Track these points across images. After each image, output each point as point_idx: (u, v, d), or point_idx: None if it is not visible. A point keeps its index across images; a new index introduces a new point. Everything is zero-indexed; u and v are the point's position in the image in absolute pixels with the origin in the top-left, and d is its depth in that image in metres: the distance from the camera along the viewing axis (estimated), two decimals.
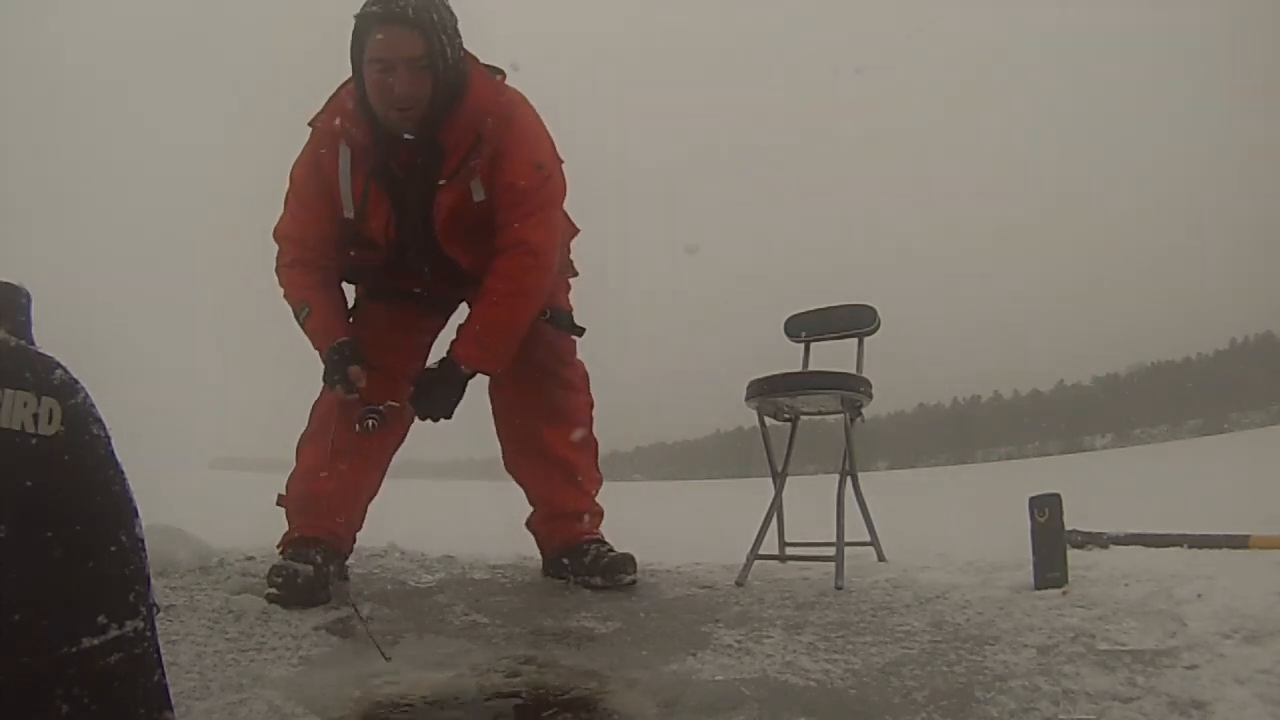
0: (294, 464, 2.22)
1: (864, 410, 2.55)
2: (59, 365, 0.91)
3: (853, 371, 2.61)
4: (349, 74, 2.03)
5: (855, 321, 2.78)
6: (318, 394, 2.20)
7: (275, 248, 2.19)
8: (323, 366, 2.07)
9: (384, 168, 2.05)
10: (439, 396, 2.06)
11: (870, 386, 2.50)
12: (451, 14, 2.00)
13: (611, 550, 2.29)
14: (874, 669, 1.50)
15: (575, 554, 2.28)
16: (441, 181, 2.03)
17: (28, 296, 1.03)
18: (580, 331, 2.33)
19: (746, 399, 2.55)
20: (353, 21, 1.95)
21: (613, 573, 2.20)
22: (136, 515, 0.94)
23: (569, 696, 1.41)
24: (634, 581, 2.22)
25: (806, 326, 2.87)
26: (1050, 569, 1.99)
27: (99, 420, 0.92)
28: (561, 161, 2.18)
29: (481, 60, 2.11)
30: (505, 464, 2.41)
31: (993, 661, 1.49)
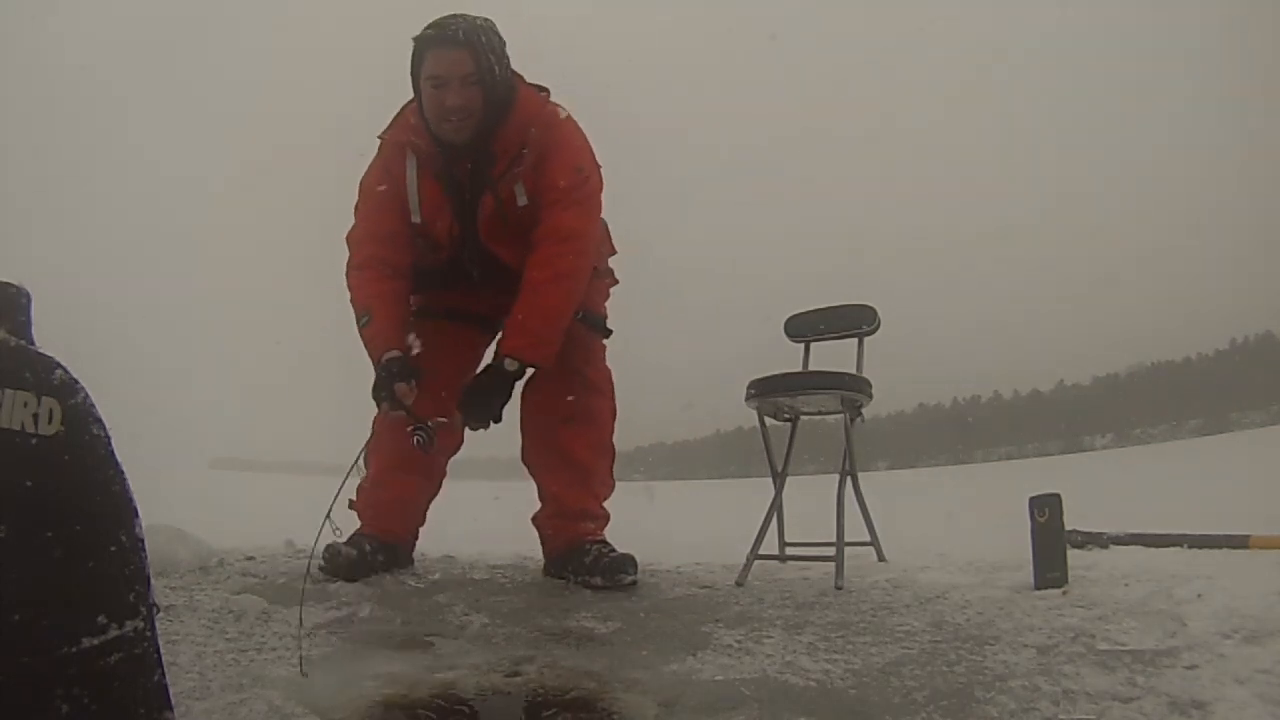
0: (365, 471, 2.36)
1: (864, 410, 2.55)
2: (59, 365, 0.91)
3: (853, 371, 2.62)
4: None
5: (855, 321, 2.78)
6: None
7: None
8: (373, 378, 2.15)
9: (446, 174, 2.23)
10: (485, 402, 2.15)
11: (870, 386, 2.50)
12: (499, 38, 2.18)
13: (613, 551, 2.30)
14: (874, 669, 1.50)
15: (576, 554, 2.31)
16: (488, 187, 2.20)
17: (28, 296, 1.03)
18: (609, 334, 2.44)
19: (746, 399, 2.55)
20: (412, 44, 2.15)
21: (613, 573, 2.21)
22: (136, 515, 0.94)
23: (569, 696, 1.41)
24: (634, 582, 2.23)
25: (806, 326, 2.87)
26: (1050, 569, 2.00)
27: (99, 420, 0.92)
28: (600, 167, 2.30)
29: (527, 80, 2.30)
30: (522, 457, 2.46)
31: (993, 661, 1.49)
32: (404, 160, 2.25)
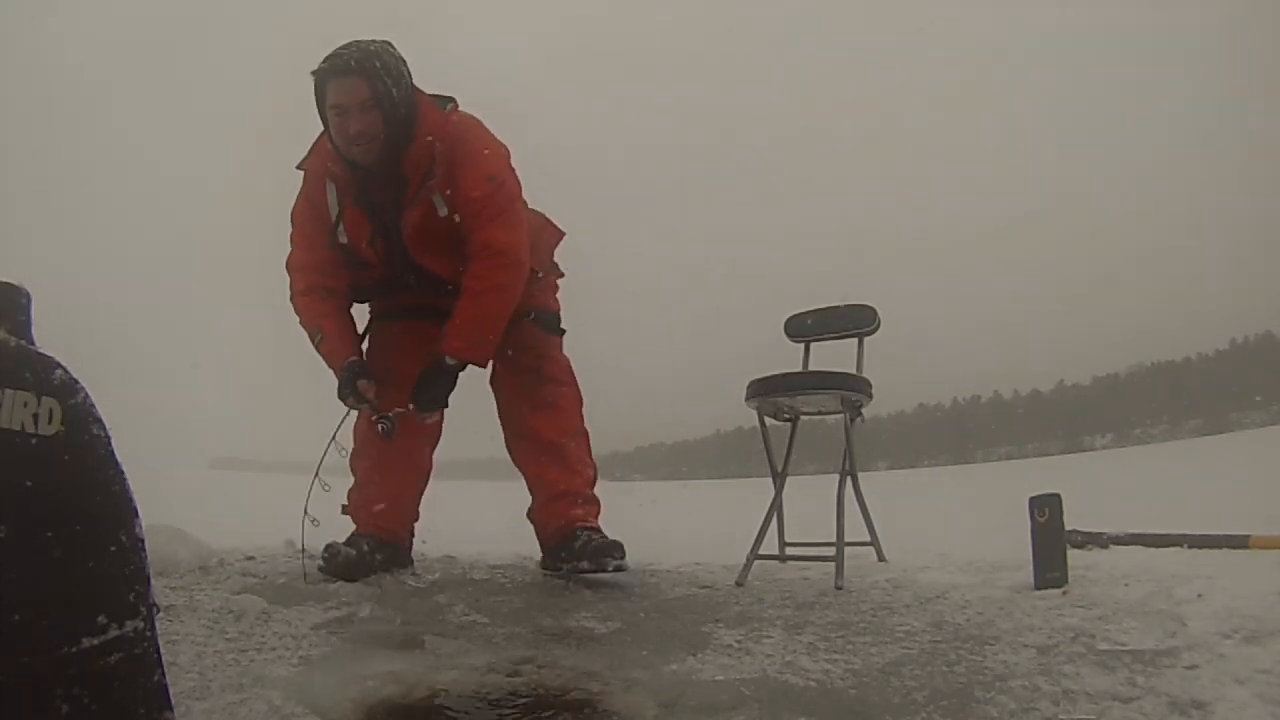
0: (352, 478, 2.49)
1: (864, 410, 2.55)
2: (59, 365, 0.91)
3: (853, 371, 2.61)
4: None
5: (855, 321, 2.78)
6: (354, 417, 2.44)
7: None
8: (336, 383, 2.31)
9: (363, 196, 2.32)
10: (432, 394, 2.29)
11: (870, 386, 2.50)
12: (395, 58, 2.25)
13: (602, 537, 2.34)
14: (874, 669, 1.50)
15: (566, 540, 2.36)
16: (406, 204, 2.29)
17: (28, 296, 1.03)
18: (561, 332, 2.58)
19: (746, 399, 2.55)
20: (311, 77, 2.23)
21: (599, 557, 2.25)
22: (136, 515, 0.94)
23: (569, 696, 1.41)
24: (619, 568, 2.25)
25: (806, 326, 2.87)
26: (1050, 569, 1.99)
27: (99, 420, 0.92)
28: (514, 170, 2.38)
29: (432, 89, 2.37)
30: (506, 448, 2.56)
31: (993, 661, 1.49)
32: (324, 187, 2.34)
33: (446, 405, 2.34)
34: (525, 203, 2.44)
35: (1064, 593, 1.90)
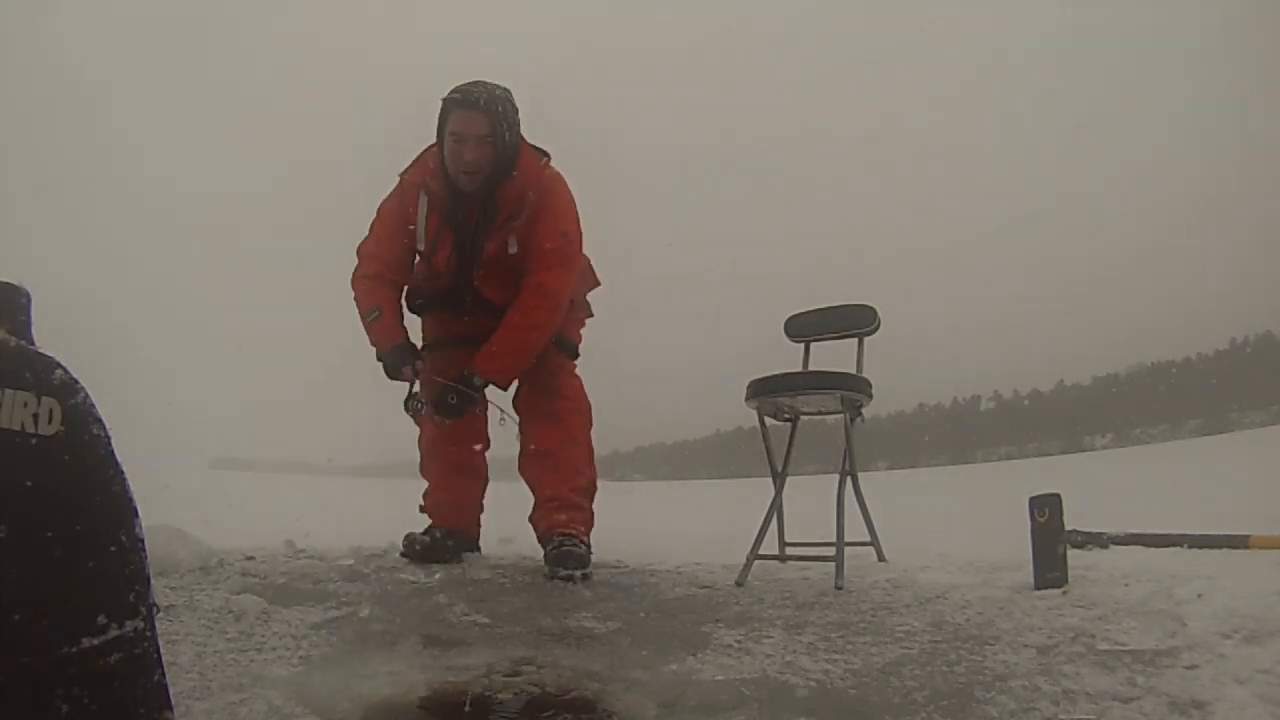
0: (424, 481, 2.85)
1: (864, 410, 2.55)
2: (59, 365, 0.91)
3: (853, 371, 2.62)
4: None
5: (855, 321, 2.78)
6: (417, 430, 2.79)
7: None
8: (383, 364, 2.61)
9: (453, 215, 2.59)
10: (455, 405, 2.56)
11: (870, 386, 2.50)
12: (513, 106, 2.54)
13: (572, 544, 2.46)
14: (874, 669, 1.50)
15: (545, 544, 2.55)
16: (488, 234, 2.57)
17: (28, 296, 1.03)
18: (577, 355, 2.80)
19: (746, 399, 2.55)
20: (440, 104, 2.50)
21: (554, 564, 2.41)
22: (136, 515, 0.94)
23: (569, 696, 1.41)
24: (571, 577, 2.35)
25: (806, 326, 2.87)
26: (1050, 569, 2.00)
27: (99, 420, 0.92)
28: (581, 229, 2.66)
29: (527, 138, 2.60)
30: (519, 467, 2.75)
31: (993, 661, 1.49)
32: (418, 197, 2.62)
33: (460, 417, 2.59)
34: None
35: (1064, 593, 1.90)
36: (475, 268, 2.61)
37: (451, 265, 2.62)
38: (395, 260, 2.69)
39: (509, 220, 2.56)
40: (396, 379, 2.62)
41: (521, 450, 2.72)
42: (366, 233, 2.74)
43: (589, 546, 2.54)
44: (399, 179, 2.70)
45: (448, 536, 2.71)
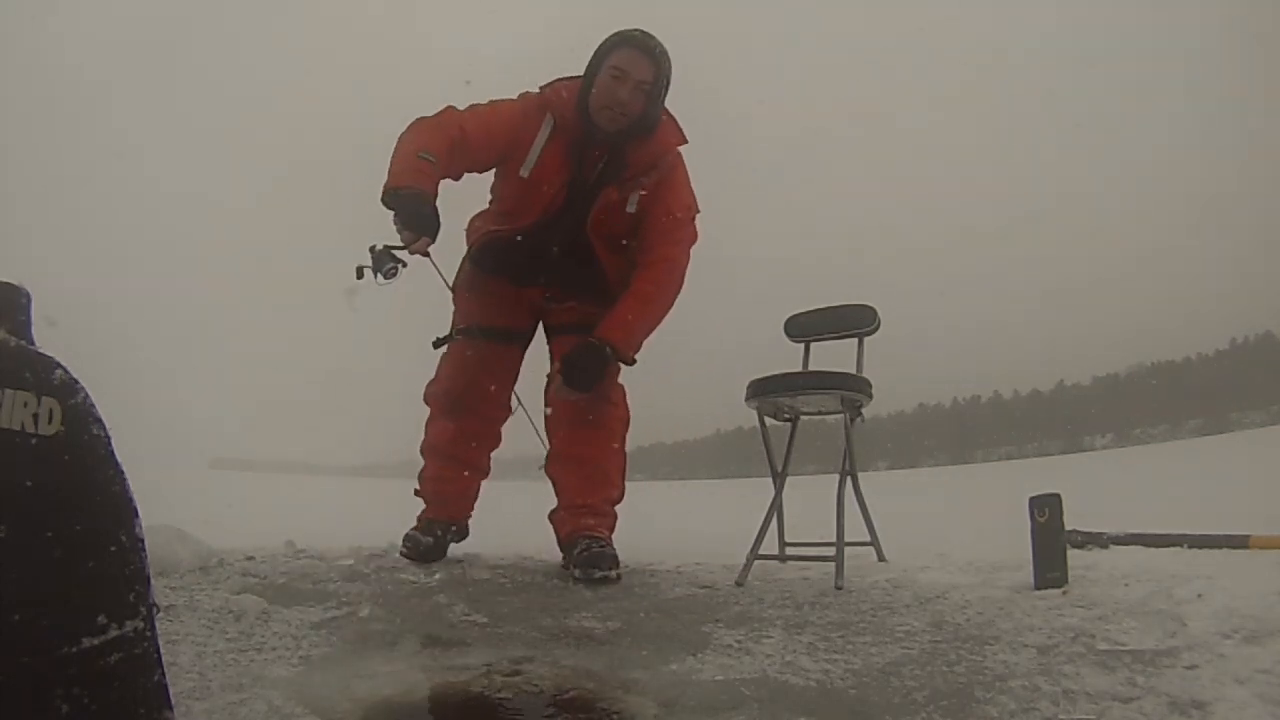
0: (422, 464, 2.74)
1: (864, 410, 2.55)
2: (59, 365, 0.91)
3: (853, 371, 2.61)
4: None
5: (855, 321, 2.78)
6: (426, 414, 2.68)
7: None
8: (397, 201, 2.17)
9: (577, 152, 2.43)
10: (588, 370, 2.37)
11: (870, 386, 2.50)
12: (671, 69, 2.41)
13: (599, 546, 2.38)
14: (874, 669, 1.50)
15: (570, 546, 2.45)
16: (614, 184, 2.42)
17: (28, 296, 1.03)
18: (631, 362, 2.51)
19: (746, 399, 2.55)
20: (611, 35, 2.39)
21: (588, 566, 2.31)
22: (136, 515, 0.94)
23: (569, 696, 1.41)
24: (605, 578, 2.28)
25: (806, 326, 2.87)
26: (1050, 569, 1.99)
27: (99, 420, 0.92)
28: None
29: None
30: (546, 467, 2.63)
31: (993, 661, 1.49)
32: (542, 120, 2.42)
33: (590, 390, 2.39)
34: None
35: (1064, 593, 1.90)
36: (586, 215, 2.43)
37: (556, 203, 2.43)
38: (479, 147, 2.37)
39: (636, 178, 2.43)
40: (416, 228, 2.18)
41: (553, 451, 2.61)
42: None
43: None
44: (520, 96, 2.48)
45: (448, 529, 2.65)
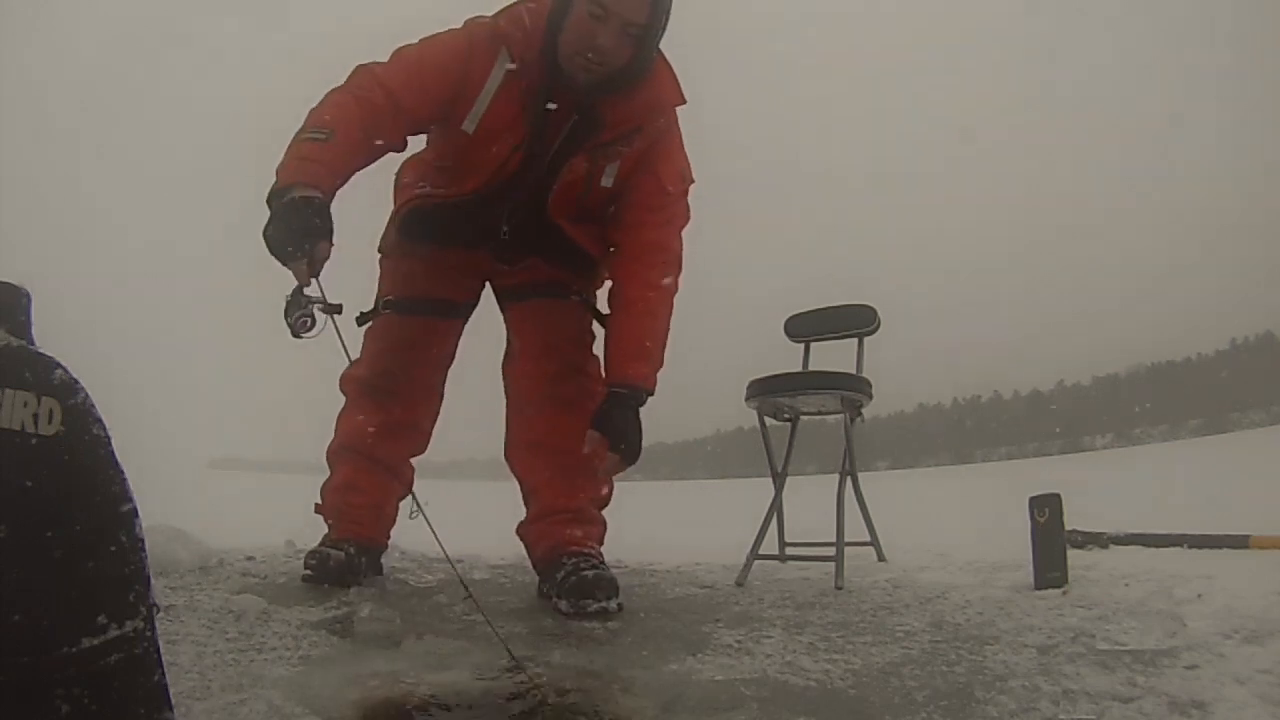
0: (328, 472, 2.25)
1: (864, 410, 2.55)
2: (59, 365, 0.91)
3: (853, 371, 2.62)
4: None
5: (855, 321, 2.79)
6: (341, 405, 2.24)
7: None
8: (274, 224, 1.63)
9: (539, 107, 1.87)
10: (638, 439, 1.91)
11: (870, 386, 2.51)
12: (671, 6, 1.87)
13: (591, 567, 1.96)
14: (874, 669, 1.50)
15: (551, 568, 2.02)
16: (583, 152, 1.90)
17: (28, 296, 1.03)
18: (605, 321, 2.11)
19: (746, 399, 2.55)
20: None
21: (579, 596, 1.88)
22: (136, 515, 0.94)
23: (569, 696, 1.41)
24: (604, 611, 1.88)
25: (806, 326, 2.88)
26: (1050, 569, 2.00)
27: (99, 420, 0.92)
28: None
29: None
30: (506, 453, 2.21)
31: (993, 661, 1.49)
32: (493, 62, 1.86)
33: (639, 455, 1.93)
34: None
35: (1064, 593, 1.90)
36: (546, 190, 1.93)
37: (507, 169, 1.90)
38: (412, 106, 1.83)
39: (614, 144, 1.91)
40: (282, 259, 1.63)
41: (517, 440, 2.16)
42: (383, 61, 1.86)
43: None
44: (465, 25, 1.91)
45: (361, 553, 2.13)
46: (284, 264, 1.64)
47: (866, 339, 2.75)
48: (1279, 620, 1.47)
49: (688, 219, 2.06)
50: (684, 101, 1.98)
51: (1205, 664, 1.36)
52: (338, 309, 1.68)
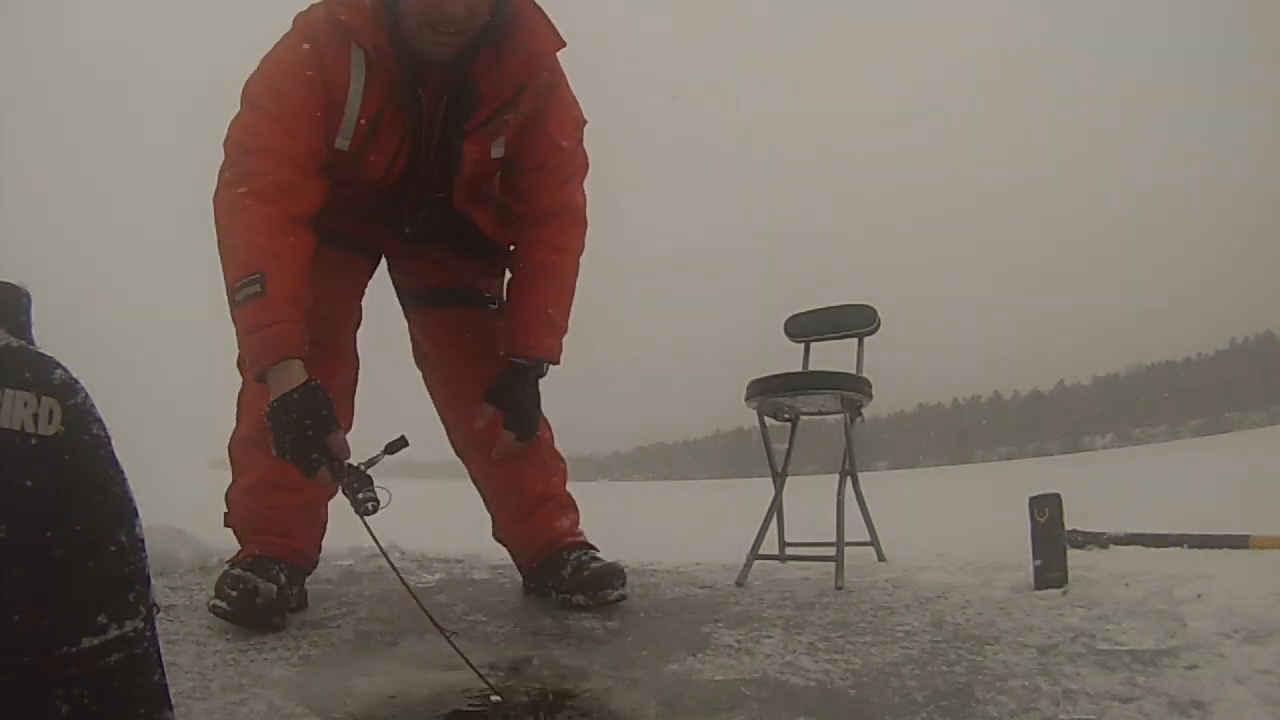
0: (232, 471, 1.87)
1: (864, 410, 2.56)
2: (59, 365, 0.91)
3: (853, 371, 2.62)
4: None
5: (855, 321, 2.79)
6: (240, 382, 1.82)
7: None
8: (278, 422, 1.47)
9: (407, 96, 1.67)
10: (532, 416, 1.81)
11: (870, 386, 2.50)
12: None
13: (595, 559, 1.96)
14: (874, 669, 1.50)
15: (551, 565, 1.97)
16: (474, 134, 1.71)
17: (28, 296, 1.03)
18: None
19: (746, 399, 2.55)
20: None
21: (596, 588, 1.88)
22: (136, 515, 0.94)
23: (569, 696, 1.41)
24: (622, 597, 1.90)
25: (806, 326, 2.88)
26: (1050, 569, 2.00)
27: (99, 420, 0.92)
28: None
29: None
30: (456, 449, 2.08)
31: (993, 661, 1.49)
32: (347, 60, 1.61)
33: (536, 434, 1.87)
34: None
35: (1064, 593, 1.90)
36: (450, 181, 1.76)
37: (393, 175, 1.73)
38: (305, 160, 1.60)
39: (499, 113, 1.70)
40: (309, 474, 1.49)
41: (472, 444, 2.00)
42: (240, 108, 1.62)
43: None
44: (295, 25, 1.66)
45: (294, 579, 1.80)
46: (309, 479, 1.50)
47: (866, 339, 2.75)
48: (1279, 620, 1.47)
49: (587, 168, 1.89)
50: (563, 44, 1.75)
51: (1205, 664, 1.36)
52: (397, 448, 1.58)
